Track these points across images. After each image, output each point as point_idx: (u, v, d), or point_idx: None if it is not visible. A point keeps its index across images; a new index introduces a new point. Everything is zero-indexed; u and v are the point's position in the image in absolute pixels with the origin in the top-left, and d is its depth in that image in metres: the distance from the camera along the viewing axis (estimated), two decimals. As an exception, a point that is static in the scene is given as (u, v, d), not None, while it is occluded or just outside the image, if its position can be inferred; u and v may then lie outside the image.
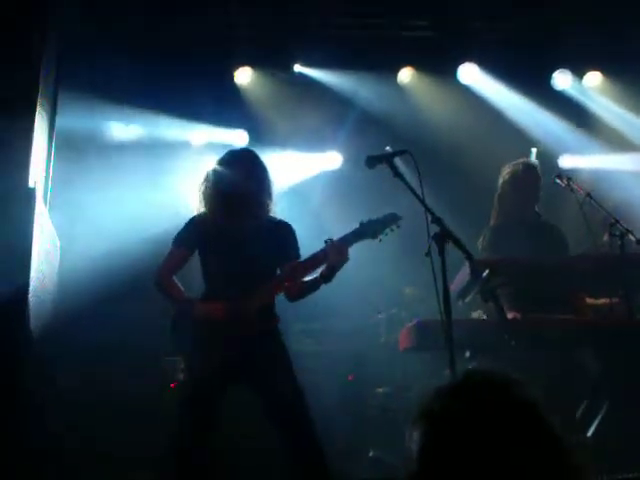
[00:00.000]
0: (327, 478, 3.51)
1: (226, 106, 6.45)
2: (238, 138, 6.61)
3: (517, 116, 6.62)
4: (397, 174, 3.25)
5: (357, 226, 3.65)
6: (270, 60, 6.45)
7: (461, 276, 3.77)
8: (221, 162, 3.88)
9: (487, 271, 3.28)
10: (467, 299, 3.85)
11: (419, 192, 3.18)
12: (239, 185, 3.72)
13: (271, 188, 3.82)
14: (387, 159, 3.29)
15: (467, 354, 3.98)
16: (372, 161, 3.30)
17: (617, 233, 3.73)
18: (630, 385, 3.75)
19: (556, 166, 6.59)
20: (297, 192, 6.35)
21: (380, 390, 5.55)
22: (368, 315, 6.13)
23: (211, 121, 6.51)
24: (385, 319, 5.93)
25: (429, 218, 3.13)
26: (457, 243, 3.11)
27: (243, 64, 6.50)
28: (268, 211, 3.79)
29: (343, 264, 3.59)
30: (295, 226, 3.86)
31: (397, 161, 3.30)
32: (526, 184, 4.46)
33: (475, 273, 3.44)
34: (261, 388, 3.58)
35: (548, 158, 6.77)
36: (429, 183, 3.25)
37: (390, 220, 3.67)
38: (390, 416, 5.21)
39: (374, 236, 3.63)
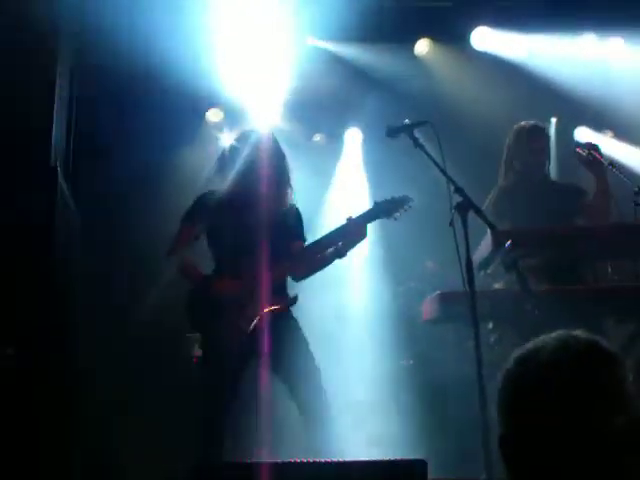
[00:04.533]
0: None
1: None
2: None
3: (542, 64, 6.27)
4: (418, 144, 3.27)
5: (372, 205, 3.75)
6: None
7: (483, 247, 3.74)
8: (240, 141, 3.85)
9: (509, 241, 3.24)
10: (489, 270, 3.81)
11: (440, 162, 3.19)
12: (261, 170, 3.72)
13: (290, 176, 3.84)
14: (407, 130, 3.30)
15: (490, 325, 3.98)
16: (392, 131, 3.32)
17: (641, 202, 3.67)
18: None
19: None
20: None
21: (402, 363, 5.55)
22: (385, 288, 6.08)
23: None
24: (403, 292, 5.90)
25: (451, 188, 3.13)
26: (479, 213, 3.11)
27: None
28: (288, 200, 3.82)
29: (361, 241, 3.68)
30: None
31: (416, 132, 3.32)
32: (533, 144, 4.36)
33: (497, 243, 3.42)
34: (276, 366, 3.59)
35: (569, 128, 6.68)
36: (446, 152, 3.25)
37: (403, 201, 3.75)
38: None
39: (389, 215, 3.73)
